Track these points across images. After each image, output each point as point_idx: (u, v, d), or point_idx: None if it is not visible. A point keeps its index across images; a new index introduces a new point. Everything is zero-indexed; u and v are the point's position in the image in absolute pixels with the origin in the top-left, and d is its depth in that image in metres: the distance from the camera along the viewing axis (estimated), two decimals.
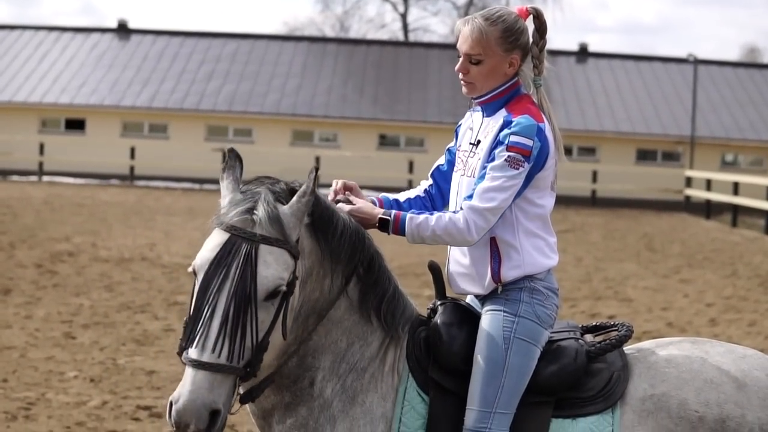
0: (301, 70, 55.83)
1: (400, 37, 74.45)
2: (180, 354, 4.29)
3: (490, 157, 4.63)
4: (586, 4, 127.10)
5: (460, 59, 4.76)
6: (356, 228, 4.65)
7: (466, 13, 75.30)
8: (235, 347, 4.20)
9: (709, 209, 40.96)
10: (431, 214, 4.61)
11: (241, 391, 4.51)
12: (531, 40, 4.77)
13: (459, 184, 4.80)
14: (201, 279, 4.29)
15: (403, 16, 76.70)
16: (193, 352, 4.21)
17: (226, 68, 55.30)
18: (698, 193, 44.27)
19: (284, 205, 4.41)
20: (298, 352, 4.60)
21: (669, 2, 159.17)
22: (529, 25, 4.78)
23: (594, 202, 46.34)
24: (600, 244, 28.09)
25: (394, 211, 4.67)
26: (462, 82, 4.77)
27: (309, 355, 4.62)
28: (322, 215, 4.53)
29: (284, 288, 4.30)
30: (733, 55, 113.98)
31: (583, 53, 59.64)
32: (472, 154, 4.77)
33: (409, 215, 4.62)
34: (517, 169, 4.55)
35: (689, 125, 51.69)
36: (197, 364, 4.18)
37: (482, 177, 4.61)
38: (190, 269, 4.37)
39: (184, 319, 4.33)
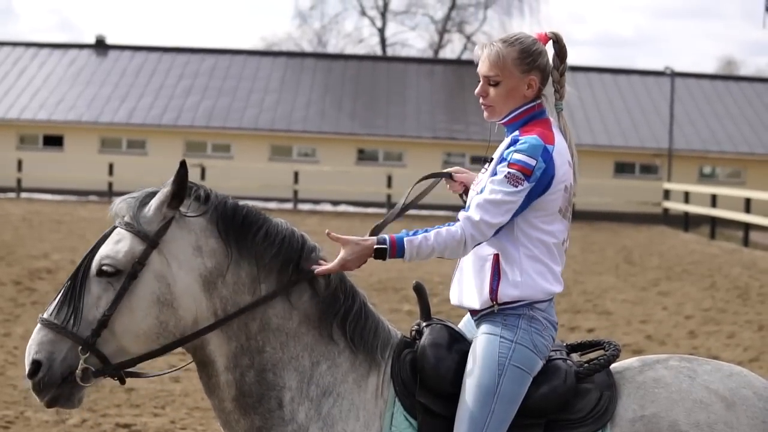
0: (279, 85, 55.83)
1: (378, 51, 74.46)
2: None
3: (493, 172, 4.63)
4: (563, 18, 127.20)
5: (480, 83, 4.76)
6: (291, 234, 4.63)
7: (444, 28, 75.67)
8: (69, 313, 4.50)
9: (687, 221, 41.09)
10: (427, 232, 4.55)
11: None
12: (551, 64, 4.77)
13: (470, 199, 4.75)
14: None
15: (381, 31, 76.68)
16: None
17: (204, 84, 55.25)
18: (676, 206, 44.38)
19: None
20: (252, 365, 4.55)
21: (646, 16, 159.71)
22: (549, 49, 4.79)
23: (572, 215, 46.36)
24: (578, 257, 28.12)
25: (388, 237, 4.55)
26: (482, 105, 4.76)
27: (268, 370, 4.55)
28: (233, 217, 4.58)
29: (109, 268, 4.51)
30: (710, 68, 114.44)
31: None
32: (483, 170, 4.77)
33: (406, 239, 4.52)
34: (516, 186, 4.54)
35: (667, 138, 51.85)
36: (38, 320, 4.57)
37: (483, 190, 4.60)
38: None
39: None
